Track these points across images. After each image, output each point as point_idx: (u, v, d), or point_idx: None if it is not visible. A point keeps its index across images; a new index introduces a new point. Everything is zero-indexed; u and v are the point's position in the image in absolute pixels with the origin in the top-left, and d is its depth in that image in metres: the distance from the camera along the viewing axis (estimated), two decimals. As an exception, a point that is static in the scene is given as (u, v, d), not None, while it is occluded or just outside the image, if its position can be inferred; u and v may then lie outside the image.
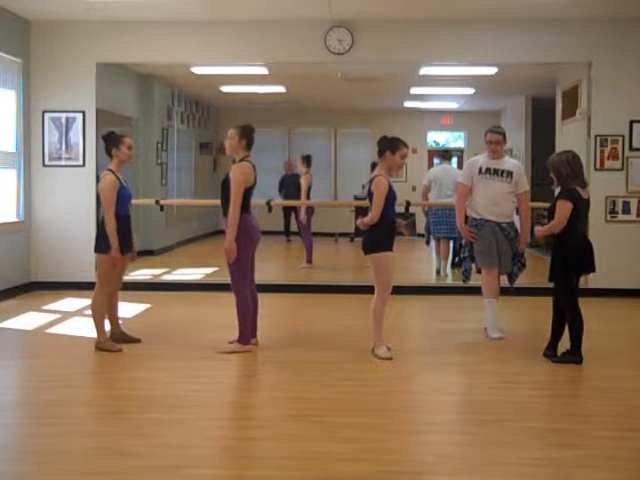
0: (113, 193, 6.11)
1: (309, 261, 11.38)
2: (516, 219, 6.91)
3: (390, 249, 5.93)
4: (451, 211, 10.03)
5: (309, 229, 11.46)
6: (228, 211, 5.95)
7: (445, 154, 11.24)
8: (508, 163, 6.88)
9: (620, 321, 7.79)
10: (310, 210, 11.49)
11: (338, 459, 3.91)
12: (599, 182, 8.91)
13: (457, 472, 3.84)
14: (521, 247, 6.78)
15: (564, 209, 5.74)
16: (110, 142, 6.25)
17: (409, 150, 6.09)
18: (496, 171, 6.76)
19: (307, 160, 11.72)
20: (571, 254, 5.80)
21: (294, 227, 13.63)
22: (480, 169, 6.78)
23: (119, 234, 6.08)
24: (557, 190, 5.98)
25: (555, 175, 5.89)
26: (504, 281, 6.95)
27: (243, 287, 6.06)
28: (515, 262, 6.81)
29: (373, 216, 5.90)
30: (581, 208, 5.82)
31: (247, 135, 6.08)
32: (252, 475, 3.79)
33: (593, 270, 5.97)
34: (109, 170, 6.20)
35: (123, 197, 6.19)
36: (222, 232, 6.38)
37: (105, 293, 6.20)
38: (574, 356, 5.80)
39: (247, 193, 6.03)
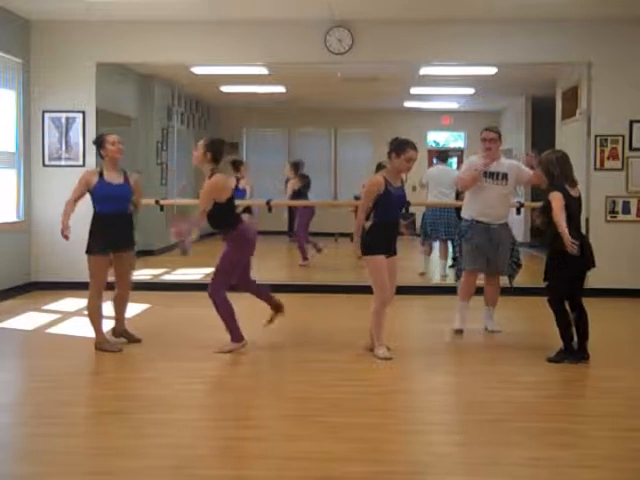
0: (79, 185, 6.22)
1: (305, 258, 11.47)
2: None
3: (383, 253, 5.89)
4: (449, 212, 10.03)
5: (305, 230, 11.54)
6: (219, 227, 6.10)
7: (441, 155, 11.24)
8: (503, 165, 6.83)
9: (620, 321, 7.79)
10: (309, 212, 11.52)
11: (338, 459, 3.91)
12: (599, 182, 8.92)
13: (456, 472, 3.84)
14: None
15: (556, 200, 5.75)
16: (97, 145, 6.30)
17: (417, 152, 5.97)
18: (491, 174, 6.73)
19: (295, 166, 11.82)
20: (564, 254, 5.80)
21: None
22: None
23: (98, 233, 6.12)
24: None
25: (545, 174, 5.94)
26: (504, 281, 6.96)
27: (221, 288, 6.10)
28: (510, 262, 6.82)
29: (357, 218, 5.90)
30: (571, 206, 5.83)
31: (212, 149, 6.07)
32: (252, 475, 3.79)
33: (593, 265, 5.97)
34: (99, 169, 6.28)
35: (103, 194, 6.16)
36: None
37: (97, 294, 6.19)
38: (567, 355, 5.83)
39: (229, 204, 6.08)
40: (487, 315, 6.97)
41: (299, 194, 11.71)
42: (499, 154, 6.86)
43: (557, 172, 5.83)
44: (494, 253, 6.73)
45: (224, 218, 6.08)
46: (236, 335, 6.11)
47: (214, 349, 6.09)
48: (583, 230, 8.72)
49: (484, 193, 6.71)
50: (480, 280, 7.04)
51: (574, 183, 5.93)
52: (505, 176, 6.73)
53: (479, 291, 7.01)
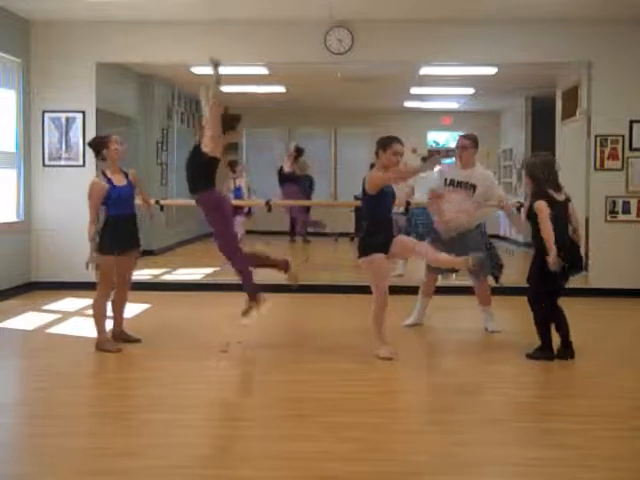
0: (96, 197, 6.11)
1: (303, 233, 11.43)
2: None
3: (381, 251, 5.88)
4: None
5: (305, 212, 11.59)
6: (198, 183, 6.16)
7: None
8: (475, 175, 6.77)
9: (620, 321, 7.79)
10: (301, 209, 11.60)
11: (338, 459, 3.91)
12: (599, 182, 8.92)
13: (456, 472, 3.84)
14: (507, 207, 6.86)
15: (542, 211, 5.76)
16: (98, 146, 6.28)
17: (403, 147, 5.98)
18: (460, 183, 6.72)
19: (298, 150, 11.85)
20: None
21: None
22: (446, 180, 6.79)
23: (111, 235, 6.10)
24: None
25: (530, 178, 5.96)
26: (493, 281, 7.02)
27: (239, 252, 6.24)
28: (493, 264, 6.84)
29: (408, 173, 6.22)
30: (557, 210, 5.83)
31: (225, 118, 6.16)
32: (252, 475, 3.78)
33: (580, 270, 5.99)
34: (102, 172, 6.24)
35: (115, 197, 6.16)
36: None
37: (106, 294, 6.20)
38: (544, 352, 5.88)
39: (216, 165, 6.17)
40: (484, 316, 6.99)
41: (288, 178, 11.70)
42: (472, 162, 6.80)
43: (541, 176, 5.85)
44: (462, 254, 6.73)
45: (206, 174, 6.14)
46: (255, 294, 6.25)
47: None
48: (583, 230, 8.78)
49: (452, 202, 6.73)
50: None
51: (559, 188, 5.92)
52: (473, 187, 6.71)
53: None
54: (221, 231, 6.20)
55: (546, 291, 5.91)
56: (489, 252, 6.83)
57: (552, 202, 5.81)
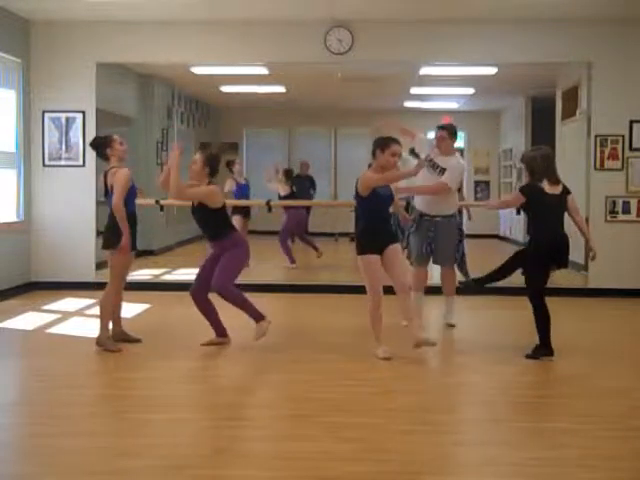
0: (127, 186, 6.12)
1: (293, 261, 11.35)
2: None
3: (374, 252, 5.87)
4: None
5: (287, 235, 11.51)
6: (216, 233, 6.15)
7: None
8: (449, 162, 6.89)
9: (620, 321, 7.79)
10: (296, 218, 11.49)
11: (338, 459, 3.91)
12: (599, 182, 8.92)
13: (456, 472, 3.84)
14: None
15: (514, 197, 6.10)
16: (102, 146, 6.28)
17: (401, 147, 6.00)
18: (433, 164, 6.84)
19: (287, 173, 11.83)
20: (539, 248, 5.87)
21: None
22: (430, 160, 6.90)
23: (130, 231, 6.11)
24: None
25: (528, 171, 6.03)
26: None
27: (228, 284, 6.13)
28: (460, 256, 6.94)
29: (402, 174, 6.15)
30: (547, 203, 5.87)
31: (210, 163, 6.14)
32: (252, 475, 3.78)
33: (565, 266, 6.01)
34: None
35: (133, 192, 6.22)
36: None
37: (117, 291, 6.21)
38: (545, 350, 5.89)
39: (223, 210, 6.22)
40: (445, 308, 7.09)
41: (285, 199, 11.67)
42: (452, 151, 6.96)
43: (537, 170, 5.90)
44: (436, 246, 6.81)
45: (220, 223, 6.16)
46: (257, 315, 6.18)
47: (253, 338, 6.13)
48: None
49: (426, 180, 6.83)
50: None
51: (556, 181, 5.95)
52: (443, 171, 6.84)
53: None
54: (224, 268, 6.13)
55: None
56: (457, 247, 6.95)
57: (538, 194, 5.86)
